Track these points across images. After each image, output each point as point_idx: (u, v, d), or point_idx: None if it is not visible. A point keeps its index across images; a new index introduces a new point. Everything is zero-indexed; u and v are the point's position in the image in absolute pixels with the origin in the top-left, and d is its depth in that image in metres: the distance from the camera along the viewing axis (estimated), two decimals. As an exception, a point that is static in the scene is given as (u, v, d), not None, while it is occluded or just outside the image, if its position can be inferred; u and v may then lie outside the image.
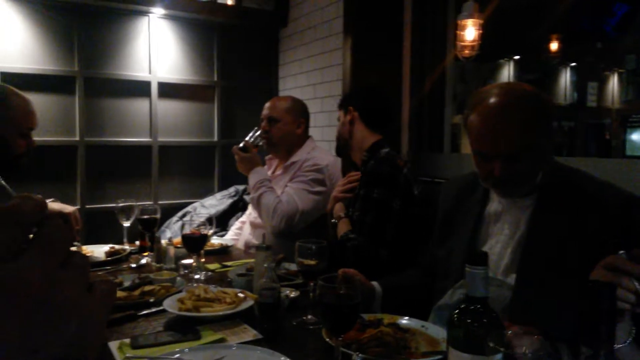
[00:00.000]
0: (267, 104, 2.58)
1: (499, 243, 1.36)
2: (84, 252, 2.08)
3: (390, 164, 1.98)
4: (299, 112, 2.57)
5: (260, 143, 2.49)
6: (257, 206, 2.36)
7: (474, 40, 2.35)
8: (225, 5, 3.61)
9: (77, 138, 3.21)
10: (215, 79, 3.64)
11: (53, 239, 0.36)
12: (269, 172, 2.61)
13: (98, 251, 2.21)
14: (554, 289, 1.20)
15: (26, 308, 0.32)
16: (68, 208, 2.23)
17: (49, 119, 3.12)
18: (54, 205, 2.22)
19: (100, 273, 1.96)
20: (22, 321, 0.32)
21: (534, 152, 1.24)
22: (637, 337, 0.93)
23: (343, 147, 2.22)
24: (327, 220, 2.19)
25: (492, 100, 1.26)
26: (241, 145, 2.46)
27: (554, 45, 3.53)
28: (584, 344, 0.63)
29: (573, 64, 5.14)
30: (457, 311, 0.90)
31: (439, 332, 1.31)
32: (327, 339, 1.25)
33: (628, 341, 0.92)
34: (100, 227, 2.78)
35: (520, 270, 1.28)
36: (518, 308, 1.25)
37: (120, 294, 1.62)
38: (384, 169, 1.96)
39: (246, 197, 3.15)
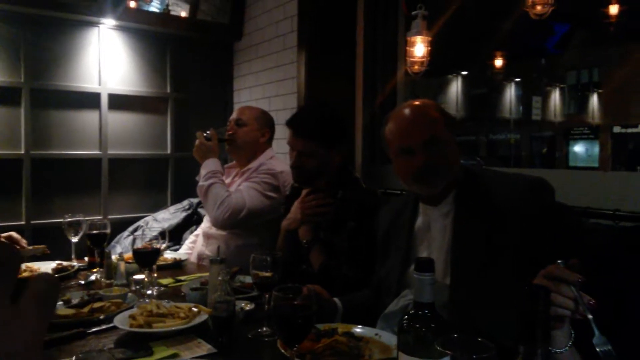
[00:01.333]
0: (237, 109, 2.68)
1: (433, 251, 1.45)
2: (31, 269, 2.01)
3: (374, 195, 2.01)
4: (266, 122, 2.63)
5: (225, 137, 2.51)
6: (205, 195, 2.36)
7: (423, 57, 2.43)
8: (178, 17, 3.58)
9: (22, 151, 3.09)
10: (169, 90, 3.60)
11: None
12: (227, 180, 2.61)
13: (45, 268, 2.13)
14: (485, 284, 1.30)
15: None
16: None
17: (-8, 131, 2.99)
18: None
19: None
20: None
21: (441, 141, 1.41)
22: (576, 341, 0.99)
23: (318, 179, 2.03)
24: (284, 236, 2.13)
25: (403, 108, 1.49)
26: (207, 132, 2.48)
27: (499, 62, 3.71)
28: (522, 344, 0.67)
29: (517, 79, 5.41)
30: (406, 317, 0.93)
31: (391, 340, 1.34)
32: (282, 350, 1.25)
33: (568, 345, 0.98)
34: (47, 243, 2.66)
35: (453, 271, 1.38)
36: (456, 306, 1.32)
37: (68, 311, 1.57)
38: (371, 201, 1.95)
39: (200, 210, 3.12)
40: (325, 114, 2.07)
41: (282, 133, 3.19)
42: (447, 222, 1.44)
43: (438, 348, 0.82)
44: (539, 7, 1.98)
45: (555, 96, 5.39)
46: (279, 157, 2.71)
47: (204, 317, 1.47)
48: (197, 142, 2.47)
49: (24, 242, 2.20)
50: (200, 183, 2.38)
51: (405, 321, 0.92)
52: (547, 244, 1.27)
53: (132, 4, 3.39)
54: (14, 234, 2.18)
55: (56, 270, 2.09)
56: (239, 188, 2.39)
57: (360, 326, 1.42)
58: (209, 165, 2.41)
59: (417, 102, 1.51)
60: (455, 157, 1.45)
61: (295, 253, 2.04)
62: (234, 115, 2.61)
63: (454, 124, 1.49)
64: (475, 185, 1.43)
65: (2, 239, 2.09)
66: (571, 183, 2.01)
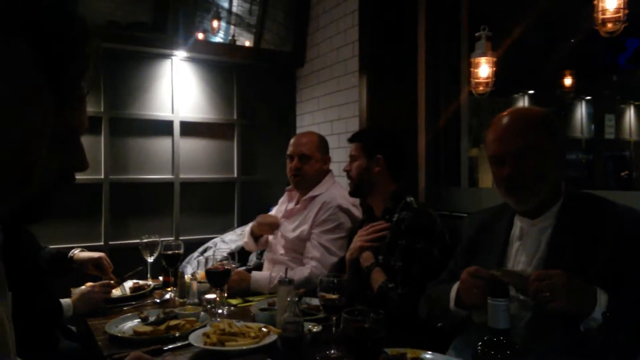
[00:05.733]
0: (296, 141, 2.60)
1: (521, 263, 1.40)
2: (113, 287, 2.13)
3: (427, 214, 2.03)
4: (326, 148, 2.63)
5: (230, 266, 1.94)
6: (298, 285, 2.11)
7: (487, 77, 2.40)
8: (243, 47, 3.75)
9: (102, 176, 3.31)
10: (235, 117, 3.75)
11: None
12: (289, 205, 2.65)
13: (122, 286, 2.25)
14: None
15: None
16: (95, 254, 2.27)
17: (76, 158, 3.22)
18: (81, 254, 2.26)
19: (125, 308, 1.99)
20: None
21: (538, 153, 1.35)
22: None
23: (364, 190, 2.21)
24: (348, 266, 2.15)
25: (504, 117, 1.43)
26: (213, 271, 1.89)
27: (567, 81, 3.58)
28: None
29: (588, 97, 5.17)
30: (480, 343, 0.92)
31: (462, 367, 1.32)
32: (351, 373, 1.26)
33: None
34: (123, 262, 2.83)
35: None
36: (538, 326, 1.27)
37: (146, 328, 1.66)
38: (424, 220, 1.98)
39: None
40: (376, 128, 2.37)
41: (342, 156, 3.24)
42: (544, 238, 1.39)
43: (515, 375, 0.80)
44: (609, 25, 1.91)
45: (630, 114, 5.12)
46: (339, 181, 2.72)
47: (273, 337, 1.50)
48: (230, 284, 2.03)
49: (110, 266, 2.30)
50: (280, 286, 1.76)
51: (480, 348, 0.91)
52: None
53: (200, 36, 3.58)
54: (106, 257, 2.29)
55: (133, 289, 2.21)
56: (316, 246, 2.35)
57: (429, 352, 1.40)
58: (260, 282, 2.27)
59: (519, 109, 1.47)
60: (553, 171, 1.38)
61: (359, 280, 2.05)
62: (296, 148, 2.54)
63: (557, 135, 1.40)
64: (581, 205, 1.36)
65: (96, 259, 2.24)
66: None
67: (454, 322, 1.49)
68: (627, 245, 1.24)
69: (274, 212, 2.83)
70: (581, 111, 5.29)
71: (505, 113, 1.43)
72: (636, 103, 4.99)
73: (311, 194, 2.52)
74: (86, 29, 0.61)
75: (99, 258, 2.24)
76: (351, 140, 2.26)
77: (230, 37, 3.79)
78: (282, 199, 2.81)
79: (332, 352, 1.45)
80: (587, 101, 5.24)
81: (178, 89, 3.52)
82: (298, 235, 2.44)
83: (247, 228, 2.77)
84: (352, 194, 2.28)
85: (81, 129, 0.67)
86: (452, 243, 1.89)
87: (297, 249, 2.46)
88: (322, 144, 2.62)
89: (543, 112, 1.44)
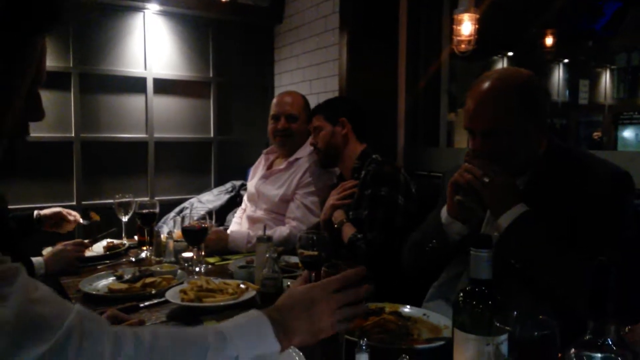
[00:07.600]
0: (280, 100, 2.55)
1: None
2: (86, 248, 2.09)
3: (390, 165, 2.11)
4: (310, 108, 2.59)
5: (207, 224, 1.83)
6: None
7: (470, 35, 2.37)
8: (220, 2, 3.60)
9: (73, 134, 3.20)
10: (211, 75, 3.64)
11: None
12: (264, 167, 2.62)
13: (96, 246, 2.20)
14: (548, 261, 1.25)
15: None
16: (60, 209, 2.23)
17: (44, 115, 3.10)
18: (47, 210, 2.20)
19: (99, 267, 1.95)
20: None
21: (512, 132, 1.32)
22: None
23: (333, 157, 2.24)
24: (324, 228, 2.16)
25: (484, 84, 1.36)
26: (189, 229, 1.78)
27: (548, 41, 3.56)
28: (591, 320, 0.65)
29: (565, 60, 5.19)
30: (462, 294, 0.91)
31: (440, 320, 1.33)
32: (331, 327, 1.26)
33: None
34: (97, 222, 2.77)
35: None
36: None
37: (121, 286, 1.63)
38: (387, 169, 2.05)
39: (243, 193, 3.16)
40: (332, 98, 2.40)
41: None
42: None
43: (497, 325, 0.80)
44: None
45: (605, 79, 5.18)
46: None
47: (251, 293, 1.49)
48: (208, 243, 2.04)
49: (72, 215, 2.25)
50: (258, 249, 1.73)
51: (461, 298, 0.90)
52: (618, 242, 1.22)
53: (174, -11, 3.43)
54: (62, 210, 2.24)
55: (107, 248, 2.17)
56: (294, 215, 2.35)
57: (408, 306, 1.41)
58: (236, 240, 2.24)
59: (502, 77, 1.37)
60: (524, 147, 1.35)
61: (332, 239, 2.07)
62: (283, 108, 2.50)
63: (538, 104, 1.35)
64: (553, 167, 1.35)
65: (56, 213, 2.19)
66: (622, 165, 1.91)
67: (447, 243, 1.47)
68: (595, 198, 1.25)
69: (249, 177, 2.79)
70: (558, 75, 5.33)
71: (485, 82, 1.36)
72: (612, 67, 5.05)
73: (296, 155, 2.49)
74: None
75: (68, 212, 2.20)
76: (311, 115, 2.30)
77: (205, -9, 3.64)
78: (258, 162, 2.77)
79: (311, 307, 1.45)
80: (565, 65, 5.28)
81: (151, 44, 3.39)
82: (280, 196, 2.42)
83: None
84: (322, 165, 2.31)
85: (40, 79, 0.64)
86: (426, 200, 1.90)
87: (277, 209, 2.44)
88: (306, 105, 2.58)
89: (523, 81, 1.35)
